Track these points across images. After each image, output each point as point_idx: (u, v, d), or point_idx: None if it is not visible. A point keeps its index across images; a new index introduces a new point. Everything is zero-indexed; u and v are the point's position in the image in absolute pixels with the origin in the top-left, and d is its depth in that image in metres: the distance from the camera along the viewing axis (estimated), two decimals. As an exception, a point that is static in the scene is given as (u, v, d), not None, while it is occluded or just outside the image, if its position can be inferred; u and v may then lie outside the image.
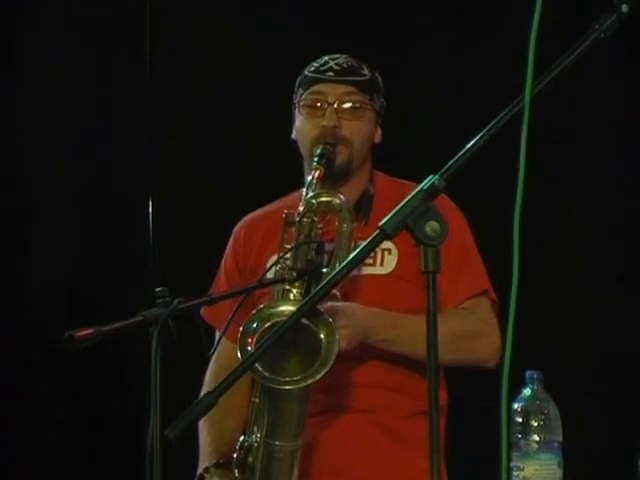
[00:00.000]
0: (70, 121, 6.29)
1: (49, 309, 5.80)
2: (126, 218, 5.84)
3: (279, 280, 3.13)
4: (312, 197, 3.17)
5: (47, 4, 6.45)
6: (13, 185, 6.16)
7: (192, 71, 6.42)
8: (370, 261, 3.30)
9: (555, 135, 5.17)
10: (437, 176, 2.00)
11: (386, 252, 3.31)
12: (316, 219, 3.22)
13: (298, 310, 2.67)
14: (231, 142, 5.97)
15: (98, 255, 5.86)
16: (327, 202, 3.20)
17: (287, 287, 3.12)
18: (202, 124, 6.30)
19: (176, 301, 2.79)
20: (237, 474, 3.16)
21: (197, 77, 6.48)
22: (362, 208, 3.35)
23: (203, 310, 3.28)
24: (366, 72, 3.53)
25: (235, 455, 3.16)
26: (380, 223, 1.99)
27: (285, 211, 3.29)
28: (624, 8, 2.10)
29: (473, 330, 3.35)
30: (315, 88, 3.44)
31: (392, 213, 2.03)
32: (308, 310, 2.64)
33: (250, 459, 3.15)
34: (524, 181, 1.91)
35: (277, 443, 3.05)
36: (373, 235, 2.03)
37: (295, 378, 2.96)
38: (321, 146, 3.30)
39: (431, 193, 2.02)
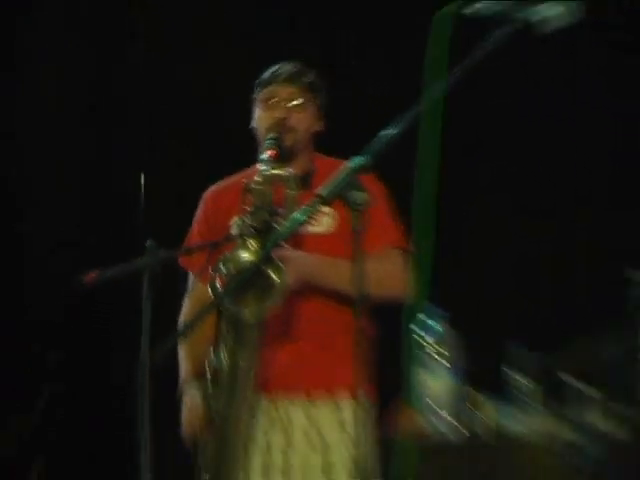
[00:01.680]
0: (70, 101, 6.78)
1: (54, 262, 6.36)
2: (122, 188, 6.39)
3: (241, 235, 3.60)
4: (266, 170, 3.75)
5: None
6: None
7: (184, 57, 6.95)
8: (313, 223, 3.87)
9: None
10: (362, 160, 2.63)
11: (327, 216, 3.90)
12: (269, 188, 3.76)
13: (257, 258, 3.47)
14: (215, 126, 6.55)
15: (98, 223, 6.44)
16: (277, 174, 3.76)
17: (247, 240, 3.60)
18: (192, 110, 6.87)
19: (161, 251, 3.46)
20: (210, 389, 3.77)
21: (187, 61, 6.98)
22: (305, 181, 3.89)
23: (180, 259, 4.07)
24: (309, 77, 4.19)
25: (207, 373, 3.76)
26: (317, 191, 2.64)
27: (244, 180, 3.81)
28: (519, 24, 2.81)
29: (389, 272, 3.92)
30: (270, 88, 4.10)
31: (327, 184, 2.65)
32: (264, 258, 3.42)
33: (219, 377, 3.70)
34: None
35: (240, 363, 3.63)
36: (311, 200, 2.68)
37: (253, 311, 3.49)
38: (273, 132, 3.93)
39: (357, 170, 2.62)
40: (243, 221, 3.71)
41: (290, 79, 4.16)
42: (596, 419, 4.39)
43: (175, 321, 4.09)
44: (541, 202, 6.64)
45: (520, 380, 4.50)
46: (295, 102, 4.10)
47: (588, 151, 6.65)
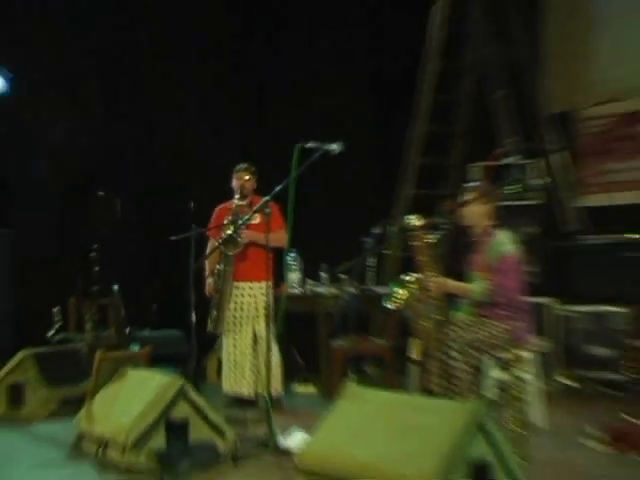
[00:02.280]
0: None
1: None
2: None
3: (228, 223, 8.01)
4: (237, 201, 8.14)
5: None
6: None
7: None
8: (253, 219, 7.82)
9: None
10: (269, 197, 6.94)
11: (258, 217, 7.82)
12: (238, 208, 8.06)
13: (233, 231, 7.93)
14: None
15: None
16: (241, 204, 8.04)
17: (229, 226, 7.93)
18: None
19: (197, 229, 7.71)
20: (217, 278, 8.04)
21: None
22: (250, 205, 7.98)
23: (208, 232, 8.26)
24: (253, 169, 8.31)
25: (216, 272, 8.09)
26: (254, 209, 7.49)
27: (230, 205, 8.15)
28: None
29: (280, 237, 7.81)
30: (239, 172, 8.27)
31: (256, 207, 7.32)
32: (235, 232, 8.00)
33: (220, 273, 8.08)
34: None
35: (227, 269, 7.97)
36: (251, 213, 7.48)
37: (230, 253, 7.95)
38: (239, 189, 8.25)
39: (267, 201, 6.96)
40: (229, 219, 8.13)
41: (245, 169, 8.36)
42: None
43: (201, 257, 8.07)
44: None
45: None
46: (247, 177, 8.28)
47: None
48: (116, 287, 8.56)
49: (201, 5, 10.17)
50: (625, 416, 7.31)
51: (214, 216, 8.53)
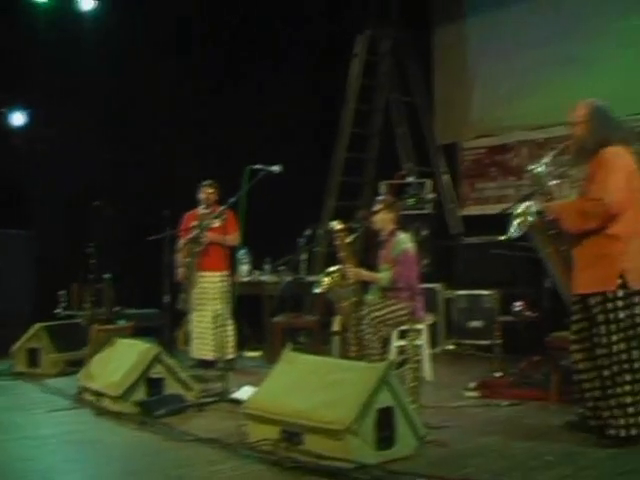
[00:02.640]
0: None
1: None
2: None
3: (196, 226, 8.02)
4: (203, 209, 8.11)
5: None
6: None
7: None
8: (215, 223, 7.79)
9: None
10: (225, 206, 7.16)
11: (218, 220, 7.71)
12: (203, 215, 8.03)
13: (197, 235, 8.33)
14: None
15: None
16: (206, 212, 8.01)
17: (197, 227, 7.94)
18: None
19: (170, 231, 8.20)
20: (187, 268, 8.05)
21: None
22: (213, 212, 7.89)
23: (179, 232, 8.16)
24: (216, 185, 8.16)
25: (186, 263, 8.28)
26: (214, 215, 7.68)
27: (197, 212, 8.10)
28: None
29: (235, 237, 7.76)
30: (204, 187, 8.14)
31: (215, 214, 7.56)
32: (199, 235, 8.29)
33: (188, 264, 8.22)
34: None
35: (193, 260, 8.18)
36: (211, 218, 7.68)
37: (196, 250, 8.10)
38: (205, 200, 8.16)
39: (225, 209, 7.24)
40: (196, 224, 8.09)
41: (210, 184, 8.23)
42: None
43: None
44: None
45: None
46: (211, 191, 8.21)
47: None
48: (108, 276, 8.57)
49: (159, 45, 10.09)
50: (494, 373, 7.42)
51: (184, 220, 8.52)
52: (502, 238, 5.49)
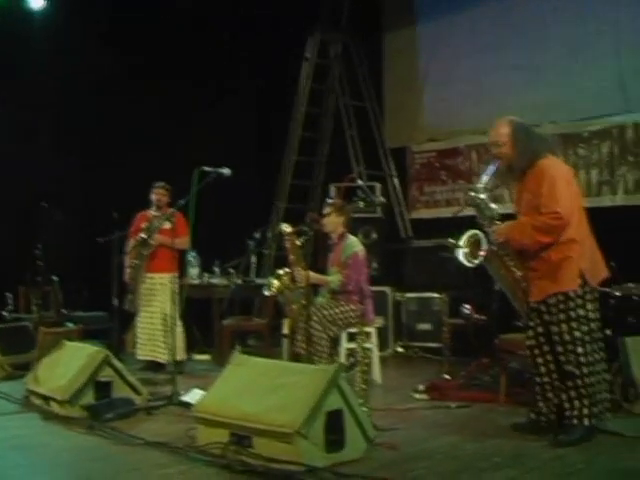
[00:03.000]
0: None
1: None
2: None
3: (145, 229, 7.90)
4: (155, 211, 7.99)
5: None
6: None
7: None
8: (165, 225, 7.63)
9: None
10: (175, 209, 7.03)
11: (168, 223, 7.39)
12: (157, 218, 7.91)
13: (146, 233, 8.27)
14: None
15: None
16: (157, 214, 7.90)
17: (146, 229, 7.86)
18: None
19: (118, 233, 8.10)
20: (134, 269, 8.38)
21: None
22: (163, 214, 7.78)
23: (129, 233, 8.09)
24: (168, 187, 8.10)
25: (133, 265, 8.63)
26: (164, 217, 7.61)
27: (151, 213, 7.98)
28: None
29: (184, 240, 7.89)
30: (156, 189, 8.07)
31: (165, 216, 7.44)
32: (148, 237, 8.29)
33: (136, 266, 8.51)
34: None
35: (140, 263, 8.14)
36: (161, 221, 7.65)
37: (145, 253, 8.04)
38: (156, 201, 8.06)
39: (174, 212, 7.08)
40: (146, 225, 7.99)
41: (162, 187, 8.16)
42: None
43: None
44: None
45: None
46: (162, 193, 8.12)
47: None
48: (55, 278, 8.48)
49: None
50: (443, 375, 7.48)
51: (135, 221, 8.45)
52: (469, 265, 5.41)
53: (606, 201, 8.90)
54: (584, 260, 5.04)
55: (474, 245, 5.31)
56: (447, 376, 7.48)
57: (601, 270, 5.24)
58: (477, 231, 5.33)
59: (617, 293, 6.84)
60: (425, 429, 5.57)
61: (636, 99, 8.68)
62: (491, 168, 5.31)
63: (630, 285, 6.98)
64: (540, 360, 5.20)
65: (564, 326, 5.02)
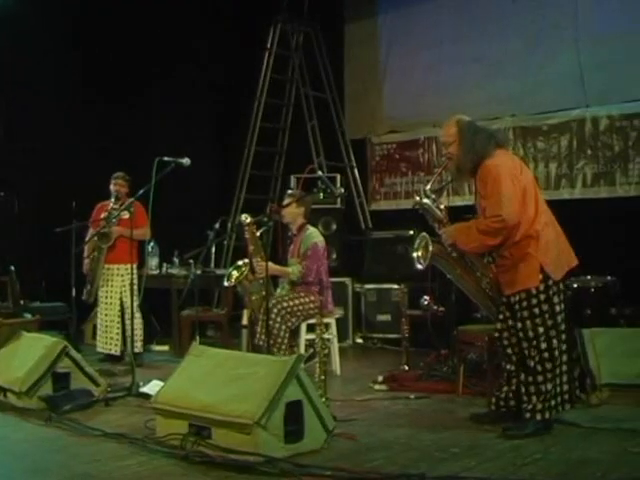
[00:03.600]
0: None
1: None
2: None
3: (104, 218, 7.85)
4: (114, 201, 7.92)
5: None
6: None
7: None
8: (123, 215, 7.65)
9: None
10: (133, 199, 6.97)
11: (127, 213, 7.29)
12: (114, 206, 7.86)
13: (105, 230, 8.31)
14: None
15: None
16: (117, 205, 7.79)
17: (105, 219, 7.85)
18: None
19: (77, 223, 7.90)
20: (94, 261, 8.57)
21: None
22: (122, 205, 7.73)
23: (90, 223, 8.04)
24: (127, 177, 8.03)
25: (92, 257, 8.63)
26: (122, 208, 7.60)
27: (110, 204, 7.90)
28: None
29: (143, 231, 7.76)
30: (115, 179, 7.98)
31: (124, 207, 7.41)
32: (107, 229, 8.25)
33: (94, 257, 8.57)
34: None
35: (100, 256, 8.36)
36: (119, 211, 7.70)
37: (103, 245, 8.26)
38: (115, 192, 7.96)
39: (132, 202, 7.01)
40: (105, 215, 7.89)
41: (121, 177, 8.09)
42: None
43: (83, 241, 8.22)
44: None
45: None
46: (122, 184, 8.04)
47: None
48: (13, 268, 8.39)
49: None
50: (402, 366, 7.53)
51: (94, 211, 8.39)
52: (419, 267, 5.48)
53: (565, 194, 9.04)
54: (544, 253, 5.01)
55: (425, 248, 5.35)
56: (406, 367, 7.52)
57: (568, 259, 5.21)
58: (425, 234, 5.38)
59: (575, 285, 6.96)
60: (384, 420, 5.60)
61: (595, 93, 8.83)
62: (439, 169, 5.41)
63: (587, 277, 7.10)
64: (509, 351, 5.24)
65: (528, 323, 5.03)
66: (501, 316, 5.26)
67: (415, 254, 5.41)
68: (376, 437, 5.06)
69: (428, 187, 5.33)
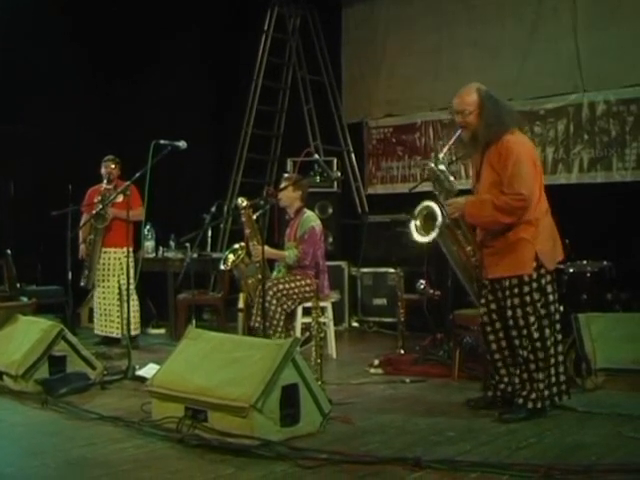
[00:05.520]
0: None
1: None
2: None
3: (100, 201, 7.93)
4: (106, 184, 7.97)
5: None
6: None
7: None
8: (119, 198, 7.59)
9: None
10: (130, 181, 6.90)
11: (121, 196, 7.48)
12: (108, 190, 7.92)
13: (100, 211, 8.32)
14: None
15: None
16: (109, 187, 7.88)
17: (100, 202, 7.88)
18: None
19: (73, 206, 8.08)
20: (89, 245, 8.58)
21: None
22: (115, 189, 7.80)
23: (82, 209, 8.13)
24: (118, 160, 8.08)
25: (87, 241, 8.62)
26: (118, 191, 7.56)
27: (102, 187, 7.94)
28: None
29: (138, 213, 7.53)
30: (106, 162, 8.00)
31: (119, 189, 7.46)
32: (102, 211, 8.30)
33: (91, 241, 8.60)
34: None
35: (97, 238, 8.24)
36: (115, 194, 7.54)
37: (99, 226, 8.27)
38: (107, 175, 8.02)
39: (129, 185, 7.02)
40: (98, 199, 7.96)
41: (112, 160, 8.09)
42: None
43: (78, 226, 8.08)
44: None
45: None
46: (113, 166, 8.07)
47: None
48: (9, 251, 8.40)
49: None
50: (398, 350, 7.54)
51: (87, 196, 8.40)
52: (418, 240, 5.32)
53: (561, 179, 9.02)
54: (540, 242, 4.95)
55: (426, 218, 5.19)
56: (402, 351, 7.55)
57: (559, 251, 5.17)
58: (431, 203, 5.18)
59: (570, 270, 6.96)
60: (379, 403, 5.61)
61: (592, 78, 8.81)
62: (453, 138, 5.12)
63: (583, 262, 7.11)
64: (492, 337, 5.20)
65: (519, 311, 4.98)
66: (483, 300, 5.21)
67: (414, 223, 5.25)
68: (372, 420, 5.07)
69: (441, 155, 5.14)
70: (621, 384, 5.68)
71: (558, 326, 5.08)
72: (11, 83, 9.24)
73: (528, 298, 4.96)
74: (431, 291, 7.84)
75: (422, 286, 7.85)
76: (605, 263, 7.18)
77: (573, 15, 8.92)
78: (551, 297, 5.03)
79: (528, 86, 9.21)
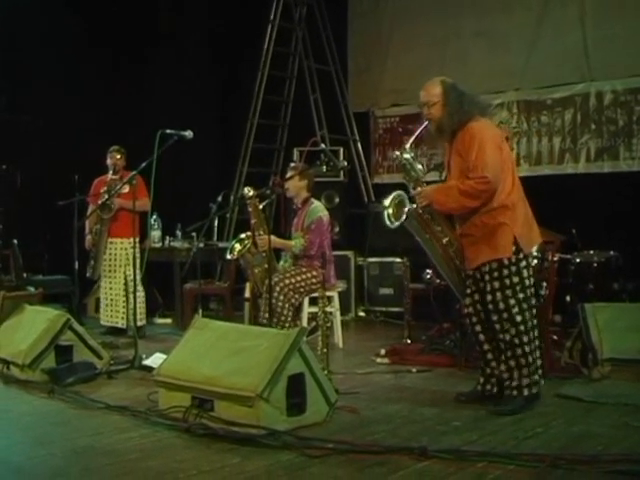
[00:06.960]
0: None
1: None
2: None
3: (106, 191, 7.90)
4: (112, 174, 7.98)
5: None
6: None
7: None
8: (124, 189, 7.65)
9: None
10: (135, 172, 6.84)
11: (126, 187, 7.55)
12: (113, 180, 7.94)
13: (106, 201, 8.37)
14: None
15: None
16: (114, 178, 7.90)
17: (106, 193, 7.81)
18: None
19: (79, 197, 7.95)
20: (94, 236, 8.54)
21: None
22: (121, 180, 7.76)
23: (88, 200, 8.12)
24: (123, 150, 8.14)
25: (94, 231, 8.60)
26: (124, 181, 7.58)
27: (108, 177, 7.99)
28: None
29: (144, 203, 7.71)
30: (112, 153, 8.07)
31: (125, 180, 7.42)
32: (108, 201, 8.24)
33: (97, 232, 8.62)
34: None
35: (102, 228, 8.34)
36: (121, 184, 7.55)
37: (105, 216, 8.31)
38: (113, 165, 8.05)
39: (135, 175, 6.97)
40: (104, 189, 7.99)
41: (117, 150, 8.13)
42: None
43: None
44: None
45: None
46: (118, 157, 8.10)
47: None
48: (15, 241, 8.41)
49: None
50: (404, 340, 7.55)
51: (93, 187, 8.40)
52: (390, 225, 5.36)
53: (568, 169, 8.94)
54: (517, 226, 4.98)
55: (398, 206, 5.24)
56: (408, 340, 7.56)
57: (536, 236, 5.20)
58: (401, 192, 5.27)
59: (577, 260, 6.95)
60: (385, 393, 5.61)
61: (599, 67, 8.83)
62: (420, 129, 5.20)
63: (590, 252, 7.10)
64: (478, 328, 5.19)
65: (498, 294, 4.98)
66: (468, 290, 5.20)
67: (386, 211, 5.30)
68: (378, 410, 5.08)
69: (407, 145, 5.23)
70: (627, 374, 5.65)
71: (534, 311, 5.09)
72: (17, 74, 9.26)
73: (507, 281, 4.97)
74: (437, 281, 7.80)
75: (428, 276, 7.82)
76: (612, 253, 7.19)
77: (580, 4, 8.93)
78: (527, 282, 5.04)
79: (535, 76, 9.23)
